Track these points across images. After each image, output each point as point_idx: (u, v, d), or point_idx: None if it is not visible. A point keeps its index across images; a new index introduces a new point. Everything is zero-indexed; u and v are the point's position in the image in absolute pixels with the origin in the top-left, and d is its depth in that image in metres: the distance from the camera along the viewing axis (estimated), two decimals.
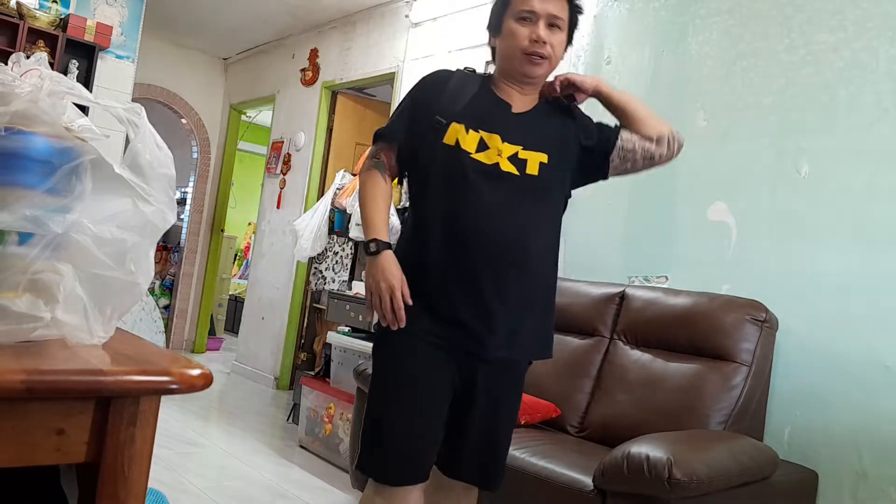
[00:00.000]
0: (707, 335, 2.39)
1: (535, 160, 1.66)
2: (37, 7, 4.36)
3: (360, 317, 3.74)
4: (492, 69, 1.82)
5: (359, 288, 4.00)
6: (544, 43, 1.64)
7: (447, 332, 1.62)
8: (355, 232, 4.30)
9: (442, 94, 1.69)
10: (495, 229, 1.61)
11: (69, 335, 0.84)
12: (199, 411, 4.40)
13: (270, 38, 5.98)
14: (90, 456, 0.77)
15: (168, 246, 7.05)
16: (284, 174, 5.67)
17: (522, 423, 2.47)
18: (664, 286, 2.80)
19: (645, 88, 3.08)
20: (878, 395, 2.24)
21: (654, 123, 1.77)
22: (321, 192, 5.25)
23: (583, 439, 2.50)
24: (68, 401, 0.76)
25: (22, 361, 0.73)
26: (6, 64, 0.92)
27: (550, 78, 1.77)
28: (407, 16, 4.67)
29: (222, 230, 6.83)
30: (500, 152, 1.64)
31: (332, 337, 3.76)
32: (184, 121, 6.65)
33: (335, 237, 4.65)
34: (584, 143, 1.76)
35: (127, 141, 3.31)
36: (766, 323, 2.36)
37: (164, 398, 0.83)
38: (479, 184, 1.62)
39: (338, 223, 4.56)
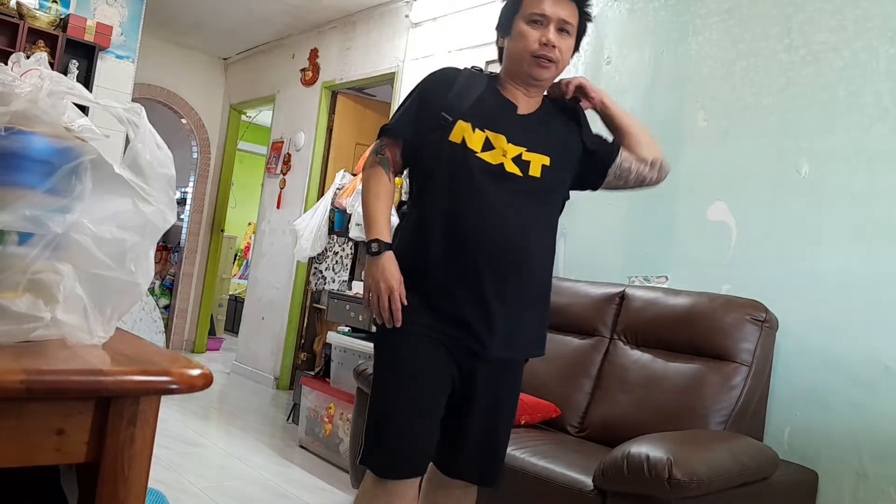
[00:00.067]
0: (707, 335, 2.39)
1: (537, 162, 1.67)
2: (37, 7, 4.36)
3: (360, 317, 3.74)
4: (493, 69, 1.82)
5: (358, 288, 3.99)
6: (553, 47, 1.64)
7: (449, 330, 1.63)
8: (355, 232, 4.30)
9: (449, 91, 1.69)
10: (497, 229, 1.62)
11: (69, 335, 0.84)
12: (199, 411, 4.40)
13: (270, 38, 5.98)
14: (90, 456, 0.77)
15: (168, 246, 7.05)
16: (284, 174, 5.67)
17: (522, 423, 2.47)
18: (664, 286, 2.80)
19: (645, 88, 3.08)
20: (878, 395, 2.24)
21: (650, 147, 1.79)
22: (321, 192, 5.25)
23: (583, 439, 2.50)
24: (68, 401, 0.76)
25: (22, 361, 0.73)
26: (6, 64, 0.92)
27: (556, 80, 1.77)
28: (407, 16, 4.67)
29: (222, 230, 6.82)
30: (504, 153, 1.65)
31: (332, 337, 3.76)
32: (184, 121, 6.65)
33: (335, 237, 4.65)
34: (588, 147, 1.77)
35: (127, 141, 3.31)
36: (766, 323, 2.36)
37: (163, 398, 0.83)
38: (485, 183, 1.62)
39: (338, 223, 4.56)
